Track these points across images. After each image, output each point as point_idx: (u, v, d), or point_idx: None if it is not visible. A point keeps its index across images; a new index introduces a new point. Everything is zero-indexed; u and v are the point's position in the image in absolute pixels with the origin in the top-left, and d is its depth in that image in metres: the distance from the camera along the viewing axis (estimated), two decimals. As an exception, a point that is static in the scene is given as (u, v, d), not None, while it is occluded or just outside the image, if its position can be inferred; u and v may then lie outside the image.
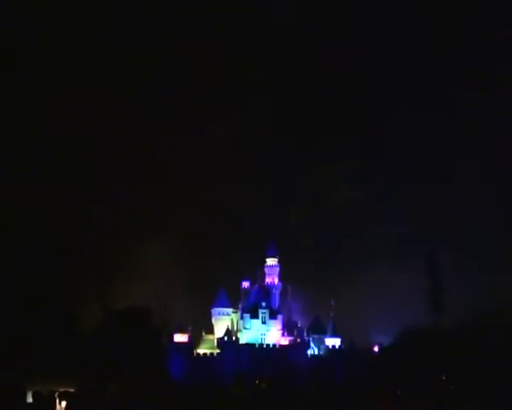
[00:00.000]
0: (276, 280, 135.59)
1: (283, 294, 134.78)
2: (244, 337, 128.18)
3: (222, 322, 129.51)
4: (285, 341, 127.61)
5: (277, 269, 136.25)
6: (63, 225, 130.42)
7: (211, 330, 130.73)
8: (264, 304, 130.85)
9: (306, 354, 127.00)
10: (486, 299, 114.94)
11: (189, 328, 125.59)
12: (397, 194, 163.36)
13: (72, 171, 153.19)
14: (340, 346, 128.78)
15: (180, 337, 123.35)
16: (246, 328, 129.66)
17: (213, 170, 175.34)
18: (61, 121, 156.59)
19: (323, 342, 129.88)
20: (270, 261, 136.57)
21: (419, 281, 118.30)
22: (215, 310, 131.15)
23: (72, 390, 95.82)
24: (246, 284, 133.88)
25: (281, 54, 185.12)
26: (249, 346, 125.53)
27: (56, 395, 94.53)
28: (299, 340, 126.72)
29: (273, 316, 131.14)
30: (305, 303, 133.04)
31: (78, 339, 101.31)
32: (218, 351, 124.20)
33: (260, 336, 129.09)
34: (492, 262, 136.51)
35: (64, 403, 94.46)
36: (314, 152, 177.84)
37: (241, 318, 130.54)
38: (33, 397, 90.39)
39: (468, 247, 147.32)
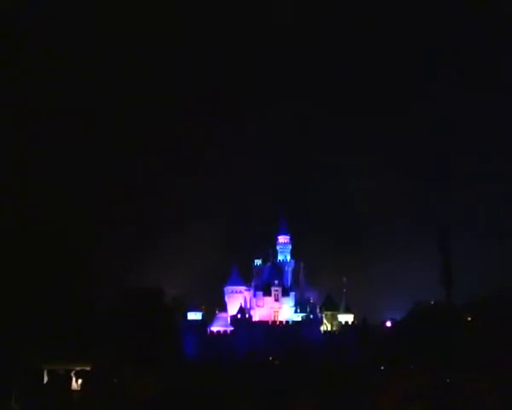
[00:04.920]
0: (289, 257, 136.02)
1: (295, 271, 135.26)
2: (257, 315, 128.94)
3: (235, 300, 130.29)
4: (298, 318, 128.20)
5: (289, 246, 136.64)
6: (80, 210, 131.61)
7: (224, 308, 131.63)
8: (276, 281, 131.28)
9: (319, 331, 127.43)
10: (499, 275, 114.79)
11: (203, 306, 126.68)
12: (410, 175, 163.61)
13: (92, 156, 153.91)
14: (352, 322, 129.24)
15: (194, 316, 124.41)
16: (259, 305, 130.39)
17: (226, 143, 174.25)
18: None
19: (336, 319, 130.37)
20: (282, 239, 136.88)
21: (431, 256, 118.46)
22: (228, 288, 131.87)
23: (87, 369, 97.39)
24: (258, 262, 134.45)
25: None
26: (262, 323, 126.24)
27: (73, 374, 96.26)
28: (311, 317, 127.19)
29: (286, 293, 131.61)
30: (317, 280, 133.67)
31: (92, 319, 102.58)
32: (232, 329, 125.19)
33: (273, 314, 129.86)
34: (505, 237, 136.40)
35: (80, 381, 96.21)
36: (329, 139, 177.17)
37: (254, 295, 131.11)
38: (49, 376, 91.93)
39: (482, 221, 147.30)
